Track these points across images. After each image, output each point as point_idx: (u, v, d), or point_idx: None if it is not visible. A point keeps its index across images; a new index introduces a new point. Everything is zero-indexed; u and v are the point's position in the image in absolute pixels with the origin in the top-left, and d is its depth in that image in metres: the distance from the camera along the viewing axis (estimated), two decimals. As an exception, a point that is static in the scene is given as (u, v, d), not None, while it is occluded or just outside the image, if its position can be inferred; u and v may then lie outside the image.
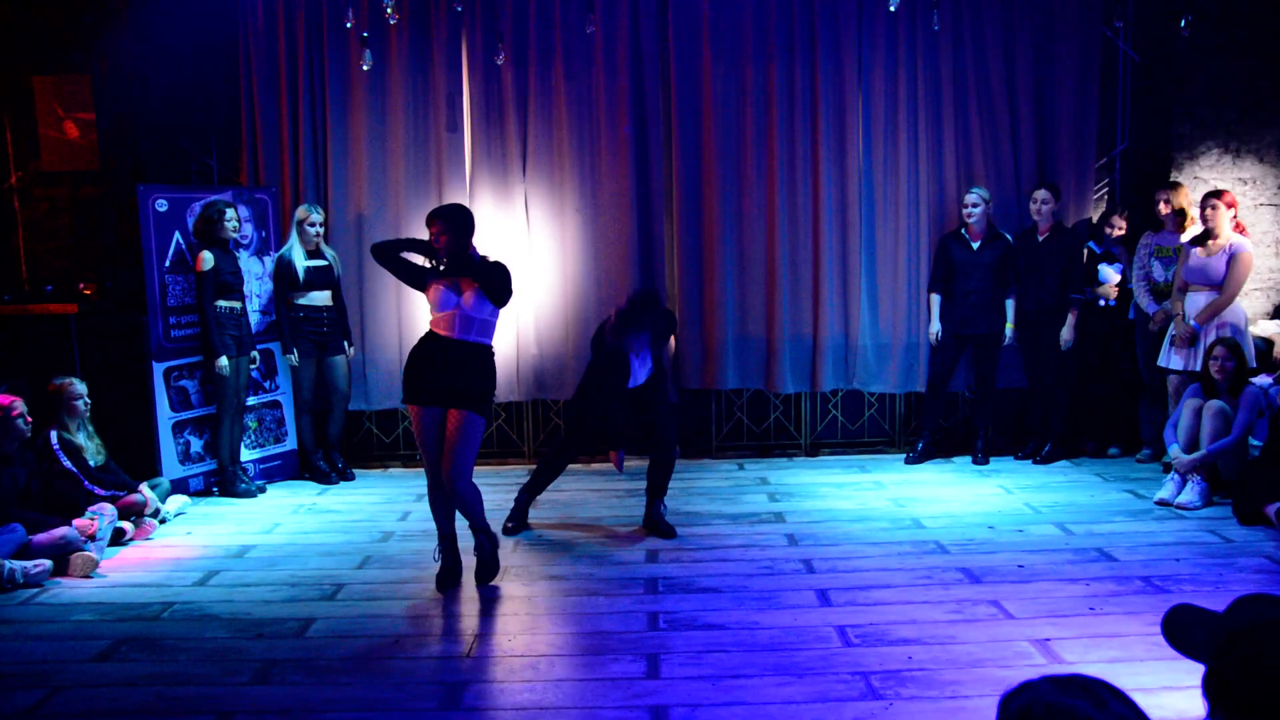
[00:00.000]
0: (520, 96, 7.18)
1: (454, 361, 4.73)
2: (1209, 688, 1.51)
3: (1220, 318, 6.29)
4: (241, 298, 6.60)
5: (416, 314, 7.27)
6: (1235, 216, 6.40)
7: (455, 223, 4.77)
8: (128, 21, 7.05)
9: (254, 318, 6.81)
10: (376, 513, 6.23)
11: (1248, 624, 1.49)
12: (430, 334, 4.83)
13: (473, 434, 4.73)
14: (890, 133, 7.23)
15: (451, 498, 4.82)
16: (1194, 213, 6.55)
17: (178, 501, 6.20)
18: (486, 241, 7.16)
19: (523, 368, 7.29)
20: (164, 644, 4.20)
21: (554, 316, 7.31)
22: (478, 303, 4.73)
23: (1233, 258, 6.27)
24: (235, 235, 6.59)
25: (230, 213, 6.48)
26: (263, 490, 6.71)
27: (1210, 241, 6.35)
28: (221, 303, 6.45)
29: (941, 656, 3.91)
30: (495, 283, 4.71)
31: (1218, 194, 6.38)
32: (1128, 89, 7.41)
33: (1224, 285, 6.27)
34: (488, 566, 4.88)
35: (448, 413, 4.74)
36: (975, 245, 6.94)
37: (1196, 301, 6.38)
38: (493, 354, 4.88)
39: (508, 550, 5.42)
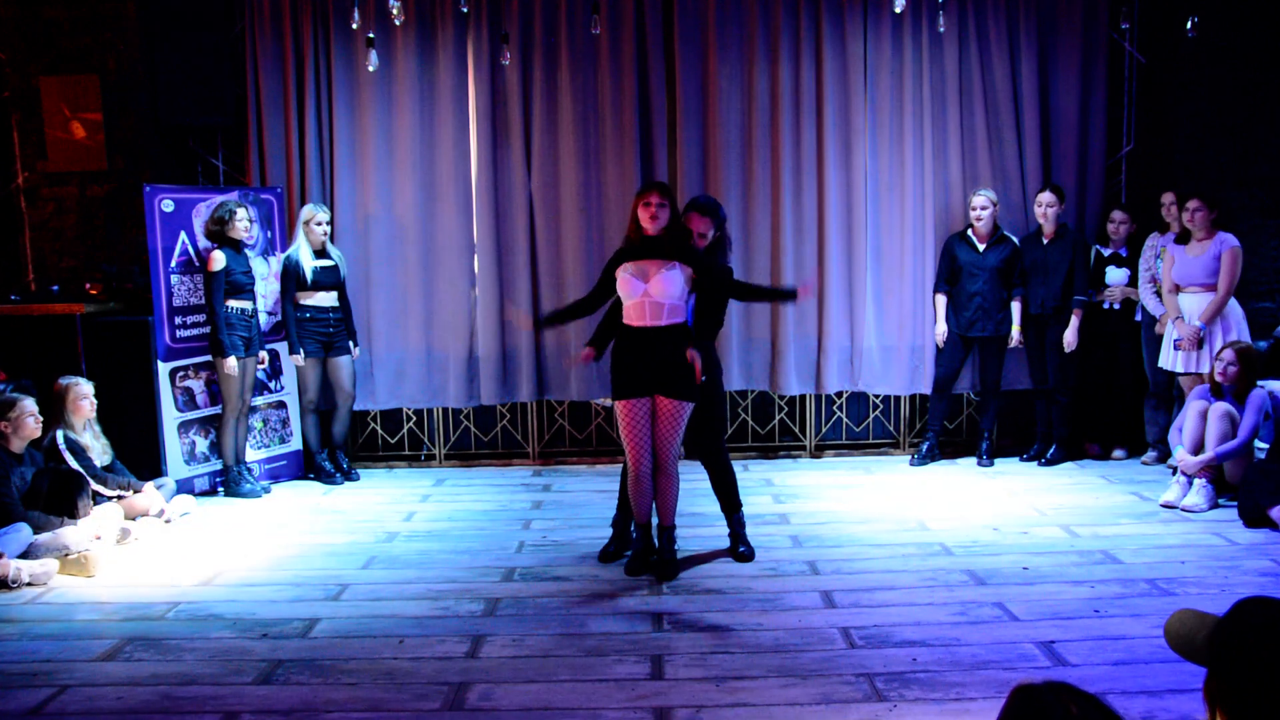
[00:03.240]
0: (525, 97, 7.19)
1: (654, 349, 4.74)
2: (1209, 691, 1.51)
3: (1223, 315, 6.29)
4: (253, 298, 6.62)
5: (421, 315, 7.29)
6: (1213, 214, 6.32)
7: (667, 197, 4.82)
8: (134, 22, 7.07)
9: (260, 318, 6.82)
10: (381, 513, 6.24)
11: (1246, 627, 1.49)
12: (625, 328, 4.83)
13: (681, 419, 4.82)
14: (895, 134, 7.23)
15: (661, 481, 4.89)
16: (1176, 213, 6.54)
17: (183, 502, 6.22)
18: (491, 242, 7.20)
19: (526, 368, 7.29)
20: (169, 643, 4.21)
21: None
22: (666, 286, 4.72)
23: (1223, 253, 6.26)
24: (246, 236, 6.61)
25: (241, 213, 6.49)
26: (268, 490, 6.72)
27: (1194, 240, 6.35)
28: (233, 303, 6.46)
29: (946, 659, 3.90)
30: (702, 265, 4.79)
31: (1192, 194, 6.38)
32: (1134, 90, 7.39)
33: (1219, 281, 6.27)
34: (671, 565, 4.96)
35: (655, 399, 4.81)
36: (981, 248, 6.93)
37: (1192, 302, 6.37)
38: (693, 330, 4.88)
39: (512, 550, 5.44)
